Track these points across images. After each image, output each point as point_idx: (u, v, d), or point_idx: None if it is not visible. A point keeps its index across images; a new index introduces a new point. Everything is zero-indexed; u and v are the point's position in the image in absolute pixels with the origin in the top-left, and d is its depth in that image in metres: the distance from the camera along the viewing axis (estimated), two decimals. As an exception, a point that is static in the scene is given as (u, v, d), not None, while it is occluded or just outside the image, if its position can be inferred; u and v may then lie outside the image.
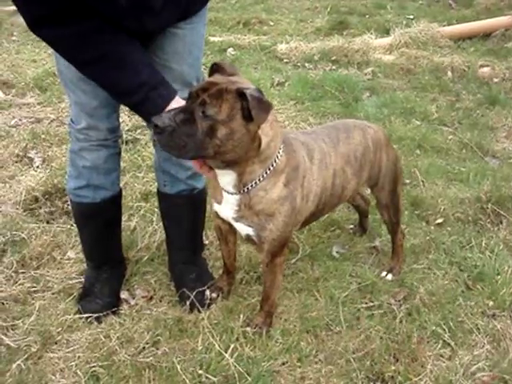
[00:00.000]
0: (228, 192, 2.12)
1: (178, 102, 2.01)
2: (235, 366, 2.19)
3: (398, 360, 2.31)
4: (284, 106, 4.74)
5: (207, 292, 2.59)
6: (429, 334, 2.45)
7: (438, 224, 3.28)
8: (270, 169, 2.05)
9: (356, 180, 2.45)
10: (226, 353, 2.27)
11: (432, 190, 3.57)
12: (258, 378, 2.16)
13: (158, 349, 2.32)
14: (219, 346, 2.29)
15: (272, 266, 2.32)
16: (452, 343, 2.41)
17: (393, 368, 2.25)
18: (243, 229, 2.20)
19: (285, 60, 6.03)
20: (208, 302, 2.56)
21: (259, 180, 2.05)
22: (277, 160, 2.06)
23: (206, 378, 2.17)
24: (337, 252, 2.99)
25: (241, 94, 1.83)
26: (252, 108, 1.79)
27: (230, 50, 6.19)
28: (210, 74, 2.00)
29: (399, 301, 2.67)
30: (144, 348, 2.33)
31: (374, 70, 5.67)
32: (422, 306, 2.60)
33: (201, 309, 2.50)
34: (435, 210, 3.37)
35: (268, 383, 2.17)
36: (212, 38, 6.46)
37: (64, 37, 1.86)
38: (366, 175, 2.52)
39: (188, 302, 2.53)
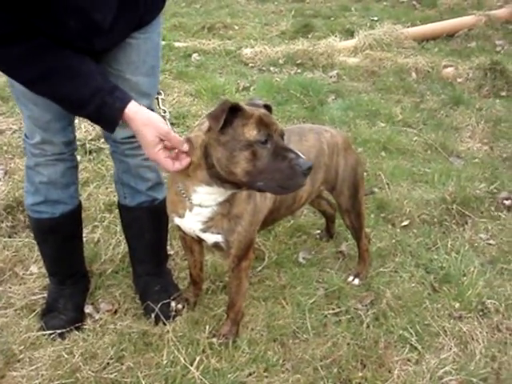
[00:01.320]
0: (205, 206, 2.10)
1: (135, 105, 1.97)
2: (201, 380, 2.17)
3: (365, 366, 2.30)
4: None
5: (173, 304, 2.55)
6: (396, 339, 2.45)
7: (404, 226, 3.29)
8: None
9: (309, 182, 2.43)
10: (191, 365, 2.24)
11: (397, 193, 3.58)
12: (223, 391, 2.14)
13: (122, 364, 2.27)
14: (184, 359, 2.25)
15: (237, 271, 2.31)
16: (419, 347, 2.40)
17: (360, 374, 2.24)
18: (211, 238, 2.20)
19: (250, 64, 6.01)
20: (173, 313, 2.52)
21: None
22: None
23: (172, 392, 2.14)
24: (303, 258, 2.98)
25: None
26: None
27: (195, 55, 6.16)
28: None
29: (366, 305, 2.66)
30: (108, 364, 2.28)
31: (339, 72, 5.68)
32: (388, 310, 2.60)
33: (166, 321, 2.46)
34: (401, 212, 3.39)
35: (235, 395, 2.14)
36: (177, 44, 6.41)
37: (9, 56, 1.81)
38: (320, 178, 2.53)
39: (153, 315, 2.49)
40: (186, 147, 1.99)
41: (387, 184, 3.67)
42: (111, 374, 2.23)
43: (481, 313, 2.62)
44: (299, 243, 3.10)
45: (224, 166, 1.91)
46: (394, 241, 3.13)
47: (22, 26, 1.75)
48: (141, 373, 2.22)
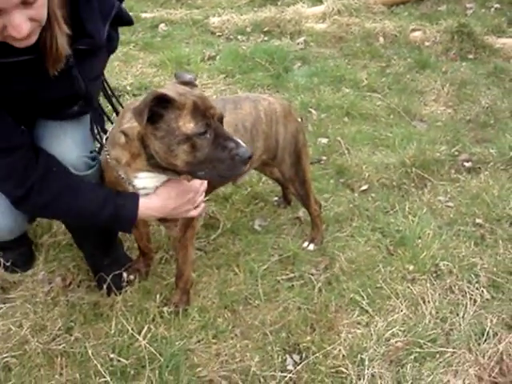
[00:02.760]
0: (149, 188, 2.08)
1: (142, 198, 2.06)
2: (147, 348, 2.16)
3: (314, 330, 2.31)
4: (213, 80, 4.66)
5: (124, 274, 2.52)
6: (347, 302, 2.46)
7: (363, 191, 3.28)
8: None
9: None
10: (139, 334, 2.23)
11: (357, 158, 3.56)
12: (170, 358, 2.13)
13: (71, 335, 2.27)
14: (132, 328, 2.25)
15: (184, 239, 2.30)
16: (370, 310, 2.41)
17: (308, 338, 2.25)
18: None
19: (217, 33, 5.90)
20: (125, 284, 2.50)
21: None
22: None
23: (118, 361, 2.13)
24: (259, 225, 2.96)
25: None
26: None
27: (162, 25, 6.04)
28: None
29: (319, 270, 2.66)
30: (57, 335, 2.27)
31: (307, 39, 5.59)
32: (341, 275, 2.61)
33: (116, 292, 2.45)
34: (360, 177, 3.38)
35: (181, 362, 2.13)
36: (143, 15, 6.29)
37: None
38: (261, 146, 2.47)
39: (105, 286, 2.47)
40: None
41: (347, 149, 3.65)
42: (59, 345, 2.23)
43: (434, 275, 2.63)
44: (256, 210, 3.09)
45: (163, 158, 1.86)
46: (351, 205, 3.12)
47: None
48: (88, 343, 2.21)
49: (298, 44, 5.51)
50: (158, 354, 2.14)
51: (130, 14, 6.10)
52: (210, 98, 1.98)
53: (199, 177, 1.92)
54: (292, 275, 2.63)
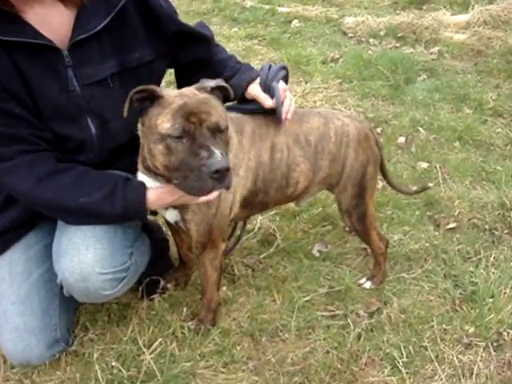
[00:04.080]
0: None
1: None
2: (150, 363, 2.08)
3: (335, 381, 2.08)
4: (326, 84, 4.45)
5: (162, 282, 2.45)
6: (382, 356, 2.19)
7: (449, 229, 2.93)
8: None
9: (309, 166, 2.20)
10: (151, 347, 2.16)
11: (453, 190, 3.19)
12: (170, 379, 2.04)
13: (86, 335, 2.25)
14: (144, 339, 2.18)
15: (202, 258, 2.16)
16: (404, 371, 2.12)
17: (322, 389, 2.03)
18: (171, 215, 2.08)
19: (350, 34, 5.65)
20: (160, 291, 2.43)
21: None
22: None
23: (119, 370, 2.07)
24: (318, 250, 2.75)
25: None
26: None
27: (295, 21, 5.90)
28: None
29: (371, 313, 2.40)
30: (73, 331, 2.27)
31: (441, 49, 5.15)
32: (387, 323, 2.33)
33: (146, 297, 2.39)
34: (450, 212, 3.02)
35: (179, 386, 2.03)
36: (280, 9, 6.19)
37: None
38: (325, 167, 2.25)
39: (140, 288, 2.42)
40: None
41: (444, 179, 3.29)
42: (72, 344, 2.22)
43: (495, 344, 2.26)
44: (321, 233, 2.87)
45: (148, 158, 1.81)
46: (429, 244, 2.79)
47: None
48: (98, 346, 2.18)
49: (431, 54, 5.11)
50: (157, 372, 2.05)
51: (267, 7, 6.04)
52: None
53: (175, 185, 1.78)
54: (336, 313, 2.40)
